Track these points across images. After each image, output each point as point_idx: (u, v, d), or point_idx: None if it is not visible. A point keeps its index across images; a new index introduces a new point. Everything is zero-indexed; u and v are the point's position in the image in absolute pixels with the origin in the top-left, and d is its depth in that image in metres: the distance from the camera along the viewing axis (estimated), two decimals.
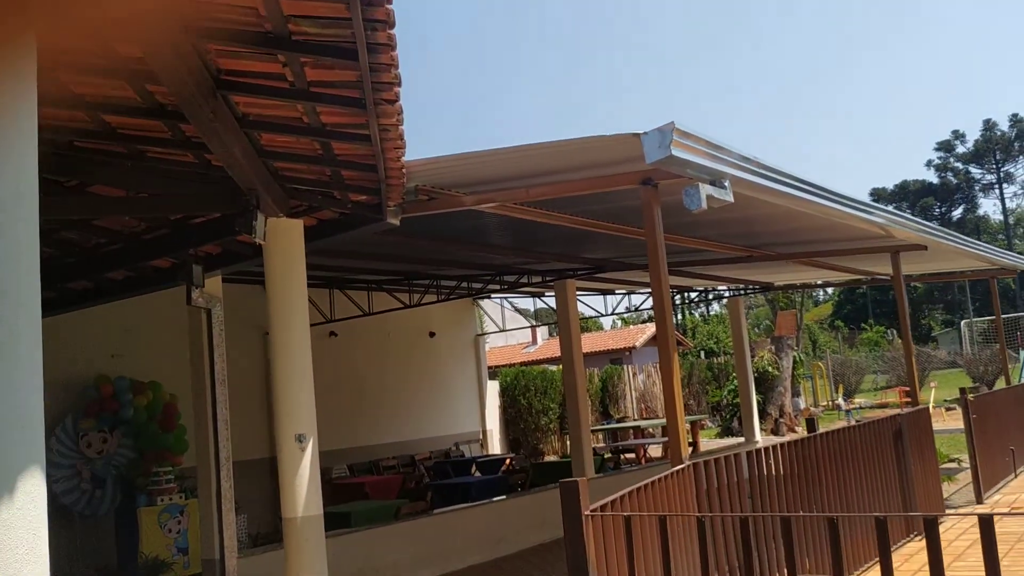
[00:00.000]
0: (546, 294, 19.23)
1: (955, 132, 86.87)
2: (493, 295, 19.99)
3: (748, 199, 7.63)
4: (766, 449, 6.35)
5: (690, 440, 18.89)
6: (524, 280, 13.31)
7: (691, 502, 5.32)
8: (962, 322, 42.09)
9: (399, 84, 4.05)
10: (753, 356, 24.81)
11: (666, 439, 18.66)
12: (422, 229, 9.08)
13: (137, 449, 12.81)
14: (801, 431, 23.52)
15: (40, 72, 2.64)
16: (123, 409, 12.46)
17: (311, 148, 5.17)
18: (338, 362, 16.64)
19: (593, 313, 19.28)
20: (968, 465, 11.12)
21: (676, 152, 4.93)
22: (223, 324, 7.65)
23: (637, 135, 5.00)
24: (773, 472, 6.39)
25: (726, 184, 5.42)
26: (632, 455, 16.30)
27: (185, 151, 5.23)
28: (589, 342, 42.85)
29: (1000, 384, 28.00)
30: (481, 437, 20.09)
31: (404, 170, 5.33)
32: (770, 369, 22.93)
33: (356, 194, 5.89)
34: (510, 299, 20.02)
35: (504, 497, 10.90)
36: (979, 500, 10.34)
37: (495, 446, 20.78)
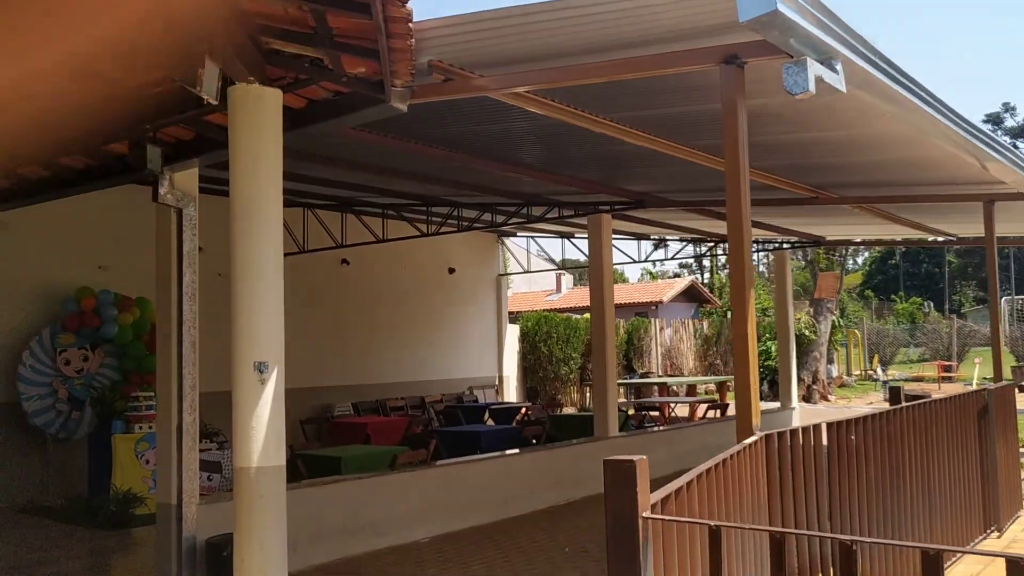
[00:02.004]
0: (576, 236, 17.90)
1: (1005, 104, 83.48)
2: (519, 233, 18.69)
3: (834, 112, 6.24)
4: (848, 422, 5.05)
5: (717, 400, 17.61)
6: (553, 214, 11.95)
7: (761, 481, 4.06)
8: (1003, 299, 40.34)
9: None
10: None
11: (694, 398, 17.43)
12: (439, 134, 7.75)
13: (121, 370, 11.72)
14: (834, 400, 22.18)
15: None
16: (105, 326, 11.34)
17: None
18: (349, 292, 15.47)
19: (622, 259, 17.89)
20: None
21: (783, 7, 3.56)
22: (197, 228, 6.40)
23: None
24: (853, 447, 5.11)
25: (838, 68, 4.05)
26: (656, 413, 15.05)
27: None
28: (615, 293, 41.57)
29: None
30: (497, 383, 18.94)
31: (411, 23, 3.99)
32: (807, 333, 21.51)
33: (352, 61, 4.56)
34: (537, 239, 18.69)
35: (517, 451, 9.70)
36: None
37: (511, 394, 19.63)
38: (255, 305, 4.53)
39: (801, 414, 15.09)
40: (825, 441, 4.76)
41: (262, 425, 4.44)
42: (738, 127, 4.19)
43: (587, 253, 12.74)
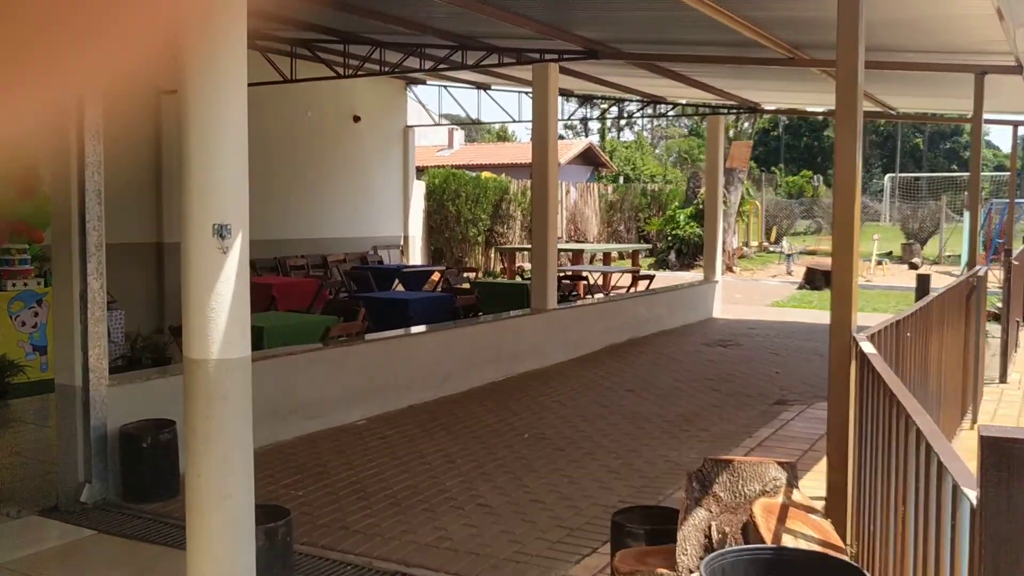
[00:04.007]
0: (493, 87, 16.64)
1: None
2: (429, 81, 17.25)
3: None
4: (901, 321, 4.40)
5: (632, 267, 17.19)
6: (492, 60, 10.72)
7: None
8: (886, 176, 41.55)
9: None
10: (699, 188, 23.08)
11: (627, 268, 16.93)
12: None
13: None
14: (739, 272, 22.23)
15: None
16: None
17: None
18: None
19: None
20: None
21: None
22: None
23: None
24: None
25: None
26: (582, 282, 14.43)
27: None
28: (506, 152, 40.43)
29: (934, 243, 27.36)
30: (402, 244, 17.89)
31: None
32: None
33: None
34: (449, 88, 17.30)
35: (456, 324, 8.86)
36: (1003, 379, 8.91)
37: (415, 255, 18.64)
38: (212, 146, 3.37)
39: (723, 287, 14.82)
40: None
41: (224, 306, 3.38)
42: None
43: (503, 106, 11.82)
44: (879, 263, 23.69)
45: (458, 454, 6.42)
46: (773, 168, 59.00)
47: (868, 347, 3.11)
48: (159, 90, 11.73)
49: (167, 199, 11.99)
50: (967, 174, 43.12)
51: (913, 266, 24.65)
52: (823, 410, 8.04)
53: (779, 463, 3.33)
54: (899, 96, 12.16)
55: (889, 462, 2.66)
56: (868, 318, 14.21)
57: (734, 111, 14.73)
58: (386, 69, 11.68)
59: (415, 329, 8.46)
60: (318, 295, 11.67)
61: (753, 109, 14.35)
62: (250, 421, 3.54)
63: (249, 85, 3.57)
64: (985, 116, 13.95)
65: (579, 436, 6.95)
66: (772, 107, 15.12)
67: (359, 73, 11.68)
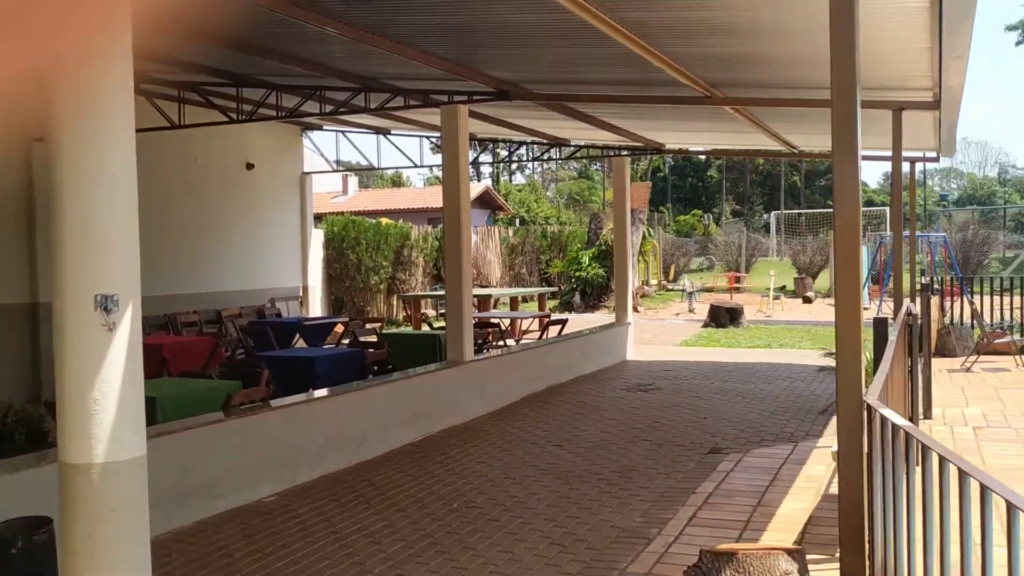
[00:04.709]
0: (392, 132, 16.18)
1: None
2: (326, 127, 16.63)
3: None
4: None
5: (544, 312, 16.81)
6: (397, 102, 10.21)
7: None
8: (772, 213, 42.80)
9: None
10: (600, 229, 23.02)
11: (539, 313, 16.51)
12: None
13: None
14: (643, 311, 22.16)
15: None
16: None
17: None
18: None
19: (403, 162, 16.46)
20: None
21: None
22: None
23: None
24: None
25: None
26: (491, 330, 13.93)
27: None
28: (401, 197, 39.88)
29: (824, 276, 28.05)
30: (301, 294, 17.07)
31: None
32: None
33: None
34: (348, 133, 16.70)
35: (371, 382, 8.21)
36: (927, 415, 8.81)
37: (316, 306, 17.82)
38: (93, 201, 2.74)
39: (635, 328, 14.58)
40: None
41: (111, 396, 2.73)
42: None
43: (404, 151, 11.52)
44: (776, 298, 24.07)
45: (382, 532, 5.77)
46: (661, 208, 60.24)
47: (896, 417, 2.70)
48: (30, 138, 10.80)
49: (42, 255, 10.97)
50: None
51: (807, 299, 25.18)
52: (760, 458, 7.75)
53: (787, 551, 2.88)
54: (802, 135, 12.24)
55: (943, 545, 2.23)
56: (781, 355, 14.15)
57: (640, 151, 14.63)
58: (282, 114, 11.03)
59: (325, 391, 7.77)
60: (213, 354, 10.83)
61: (658, 150, 14.27)
62: (147, 537, 2.88)
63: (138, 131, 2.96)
64: (872, 152, 14.25)
65: (512, 502, 6.40)
66: (675, 147, 15.10)
67: (253, 118, 10.99)
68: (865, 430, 2.95)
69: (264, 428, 6.74)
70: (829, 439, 8.11)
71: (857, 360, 2.99)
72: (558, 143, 14.88)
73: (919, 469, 2.59)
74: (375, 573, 5.04)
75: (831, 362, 9.75)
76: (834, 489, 6.46)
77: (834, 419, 8.91)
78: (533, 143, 15.18)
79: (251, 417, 6.64)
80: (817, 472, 6.92)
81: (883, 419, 2.74)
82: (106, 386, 2.73)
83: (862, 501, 2.91)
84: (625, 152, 14.49)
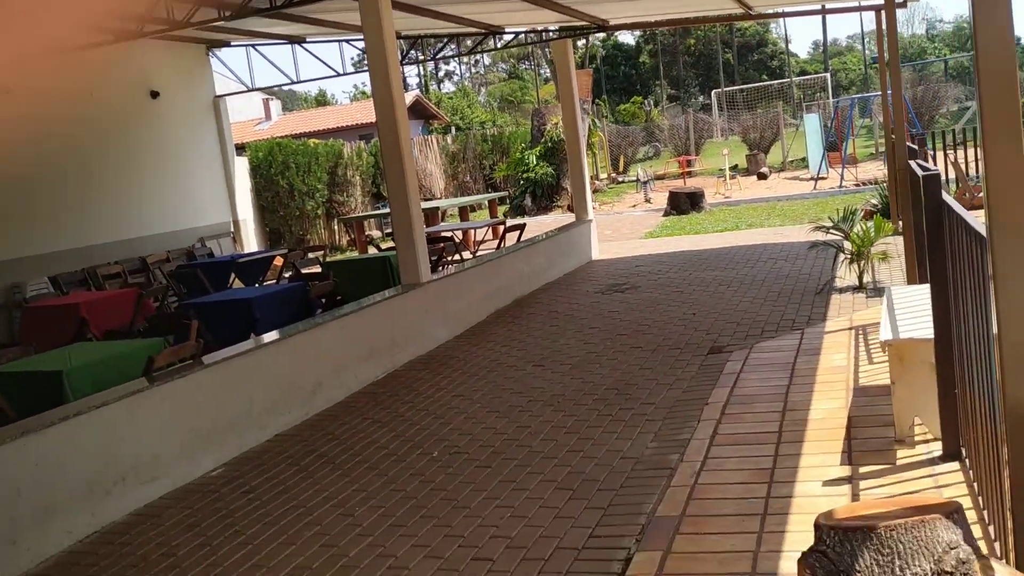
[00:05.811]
0: (308, 40, 14.74)
1: None
2: (233, 42, 15.08)
3: None
4: None
5: (499, 219, 15.75)
6: None
7: None
8: (713, 92, 41.83)
9: None
10: (544, 125, 21.84)
11: (495, 221, 15.45)
12: None
13: None
14: (598, 207, 21.21)
15: None
16: None
17: None
18: (15, 133, 11.41)
19: (325, 71, 15.14)
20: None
21: None
22: None
23: None
24: None
25: None
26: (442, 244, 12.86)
27: None
28: (328, 116, 37.99)
29: (776, 150, 27.30)
30: (233, 230, 15.76)
31: None
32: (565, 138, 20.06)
33: None
34: (258, 47, 15.17)
35: (320, 320, 7.14)
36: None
37: (251, 240, 16.54)
38: None
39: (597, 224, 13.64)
40: None
41: None
42: None
43: (325, 60, 10.12)
44: (733, 177, 23.28)
45: (353, 499, 4.83)
46: (598, 100, 58.87)
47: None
48: None
49: None
50: (783, 81, 43.83)
51: (762, 176, 24.44)
52: (768, 352, 6.91)
53: (945, 511, 1.99)
54: None
55: None
56: (754, 235, 13.29)
57: (582, 31, 13.41)
58: (179, 20, 9.61)
59: (267, 337, 6.71)
60: (139, 307, 9.65)
61: (601, 27, 13.06)
62: None
63: None
64: (838, 4, 13.21)
65: (501, 441, 5.49)
66: (620, 22, 13.90)
67: (146, 30, 9.56)
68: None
69: (198, 390, 5.69)
70: (835, 322, 7.32)
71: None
72: (492, 31, 13.59)
73: None
74: (351, 556, 4.11)
75: (824, 236, 8.92)
76: (864, 380, 5.67)
77: (837, 299, 8.16)
78: (465, 34, 13.87)
79: (180, 380, 5.57)
80: (838, 362, 6.12)
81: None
82: None
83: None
84: (566, 34, 13.26)
